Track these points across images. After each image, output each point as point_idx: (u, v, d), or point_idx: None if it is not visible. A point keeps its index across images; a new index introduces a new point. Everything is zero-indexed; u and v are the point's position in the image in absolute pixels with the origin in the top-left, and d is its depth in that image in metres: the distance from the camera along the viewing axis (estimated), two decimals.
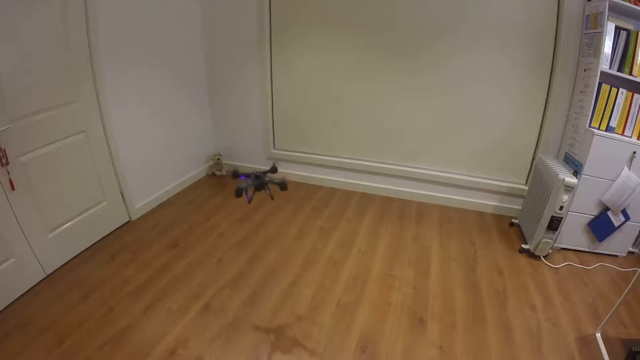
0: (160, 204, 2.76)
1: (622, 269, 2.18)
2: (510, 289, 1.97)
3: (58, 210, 2.00)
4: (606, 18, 1.89)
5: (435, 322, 1.73)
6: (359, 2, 2.51)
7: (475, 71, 2.46)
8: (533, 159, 2.58)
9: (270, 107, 3.01)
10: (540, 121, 2.47)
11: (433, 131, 2.70)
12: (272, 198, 1.56)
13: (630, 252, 2.32)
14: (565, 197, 2.03)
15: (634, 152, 2.00)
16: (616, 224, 2.16)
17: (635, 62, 1.94)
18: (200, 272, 2.03)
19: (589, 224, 2.22)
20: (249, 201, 1.49)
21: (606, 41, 1.93)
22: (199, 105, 3.08)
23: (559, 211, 2.07)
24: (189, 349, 1.55)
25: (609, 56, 1.96)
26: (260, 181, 1.48)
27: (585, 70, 2.13)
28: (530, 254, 2.26)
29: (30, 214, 1.83)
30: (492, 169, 2.69)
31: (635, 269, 2.12)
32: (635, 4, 1.90)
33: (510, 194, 2.72)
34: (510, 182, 2.69)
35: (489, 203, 2.79)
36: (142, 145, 2.53)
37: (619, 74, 1.97)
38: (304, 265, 2.12)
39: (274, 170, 1.56)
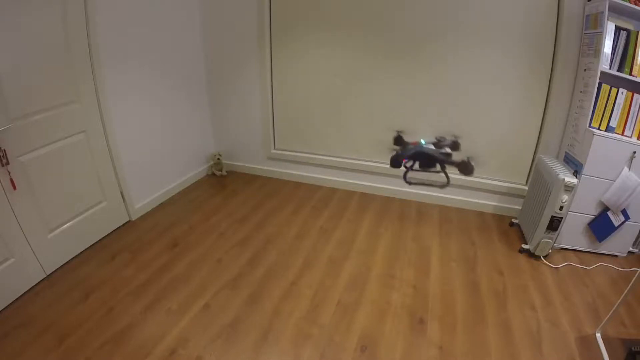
0: (160, 204, 2.76)
1: (622, 269, 2.18)
2: (510, 289, 1.97)
3: (58, 210, 2.00)
4: (606, 18, 1.89)
5: (435, 322, 1.73)
6: (359, 2, 2.51)
7: (476, 71, 2.46)
8: (533, 159, 2.58)
9: (270, 107, 3.01)
10: (540, 121, 2.47)
11: (433, 131, 2.69)
12: (441, 187, 1.25)
13: (630, 252, 2.32)
14: (565, 197, 2.03)
15: (634, 152, 2.00)
16: (616, 224, 2.16)
17: (635, 62, 1.94)
18: (200, 272, 2.03)
19: (589, 224, 2.22)
20: (407, 182, 1.20)
21: (606, 41, 1.93)
22: (199, 105, 3.08)
23: (559, 211, 2.07)
24: (189, 349, 1.55)
25: (609, 56, 1.96)
26: (429, 160, 1.16)
27: (585, 70, 2.13)
28: (530, 254, 2.26)
29: (30, 214, 1.83)
30: (492, 169, 2.69)
31: (635, 269, 2.12)
32: (635, 4, 1.90)
33: (510, 194, 2.72)
34: (510, 182, 2.69)
35: (489, 203, 2.79)
36: (142, 145, 2.53)
37: (619, 74, 1.97)
38: (304, 265, 2.12)
39: (453, 146, 1.22)
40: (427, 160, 1.17)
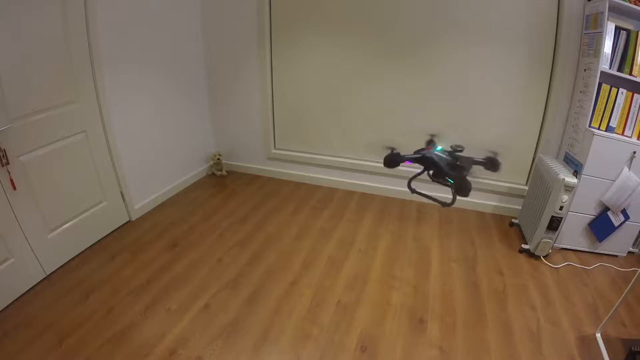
0: (160, 204, 2.76)
1: (622, 269, 2.18)
2: (510, 289, 1.97)
3: (58, 210, 2.00)
4: (606, 18, 1.89)
5: (435, 322, 1.73)
6: (359, 2, 2.51)
7: (475, 71, 2.45)
8: (533, 159, 2.58)
9: (271, 107, 3.01)
10: (540, 121, 2.47)
11: (433, 131, 2.70)
12: (443, 204, 1.07)
13: (630, 252, 2.32)
14: (565, 197, 2.03)
15: (634, 152, 2.00)
16: (616, 224, 2.16)
17: (635, 62, 1.94)
18: (200, 272, 2.03)
19: (589, 224, 2.22)
20: (410, 190, 1.05)
21: (606, 41, 1.93)
22: (199, 105, 3.08)
23: (559, 211, 2.07)
24: (189, 349, 1.55)
25: (609, 56, 1.96)
26: (436, 168, 0.99)
27: (585, 70, 2.14)
28: (530, 254, 2.26)
29: (30, 214, 1.83)
30: None
31: (635, 269, 2.12)
32: (635, 4, 1.90)
33: (510, 194, 2.72)
34: (510, 182, 2.69)
35: (489, 203, 2.79)
36: (142, 145, 2.53)
37: (619, 74, 1.97)
38: (304, 265, 2.12)
39: (490, 164, 1.01)
40: (434, 168, 1.06)
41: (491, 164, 1.09)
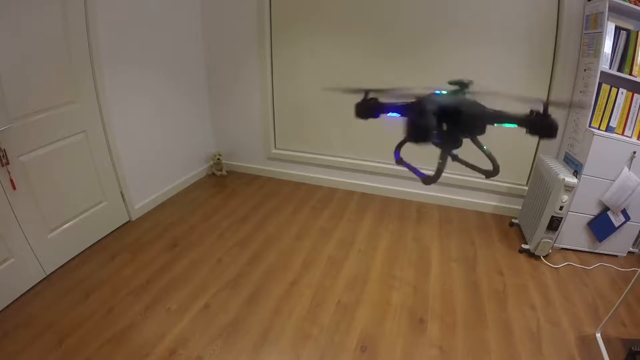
0: (160, 204, 2.76)
1: (622, 269, 2.18)
2: (510, 289, 1.97)
3: (58, 210, 2.00)
4: (606, 18, 1.89)
5: (435, 322, 1.73)
6: (359, 2, 2.51)
7: (476, 71, 2.45)
8: (533, 159, 2.58)
9: (271, 106, 3.01)
10: None
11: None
12: (424, 182, 0.75)
13: (630, 252, 2.32)
14: (565, 197, 2.03)
15: (634, 152, 2.00)
16: (616, 224, 2.16)
17: (635, 62, 1.94)
18: (200, 272, 2.03)
19: (589, 224, 2.22)
20: (397, 161, 0.71)
21: (606, 41, 1.93)
22: (199, 105, 3.08)
23: (559, 211, 2.07)
24: (189, 349, 1.55)
25: (609, 56, 1.96)
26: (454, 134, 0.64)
27: (585, 70, 2.13)
28: (530, 254, 2.26)
29: (30, 214, 1.83)
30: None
31: (635, 269, 2.12)
32: (635, 4, 1.90)
33: (510, 194, 2.71)
34: (510, 182, 2.69)
35: (489, 203, 2.79)
36: (142, 145, 2.53)
37: (619, 74, 1.97)
38: (304, 265, 2.12)
39: (535, 125, 0.63)
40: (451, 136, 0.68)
41: (536, 124, 0.62)
